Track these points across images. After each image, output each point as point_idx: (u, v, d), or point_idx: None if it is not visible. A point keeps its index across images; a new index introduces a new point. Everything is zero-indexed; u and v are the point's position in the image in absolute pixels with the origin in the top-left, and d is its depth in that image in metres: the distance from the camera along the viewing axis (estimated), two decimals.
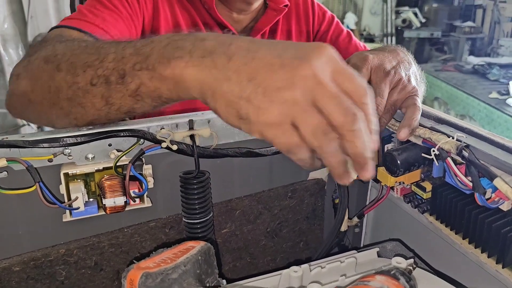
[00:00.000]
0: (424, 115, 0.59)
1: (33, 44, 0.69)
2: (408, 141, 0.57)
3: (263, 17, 0.97)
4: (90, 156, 0.54)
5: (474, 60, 3.36)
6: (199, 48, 0.41)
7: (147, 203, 0.58)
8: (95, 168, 0.54)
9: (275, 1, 0.96)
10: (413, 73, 0.62)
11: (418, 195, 0.59)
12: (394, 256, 0.53)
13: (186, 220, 0.59)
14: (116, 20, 0.79)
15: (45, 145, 0.51)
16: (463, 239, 0.53)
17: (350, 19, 3.89)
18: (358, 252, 0.58)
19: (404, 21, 3.96)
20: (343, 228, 0.70)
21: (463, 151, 0.49)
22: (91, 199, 0.56)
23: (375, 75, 0.58)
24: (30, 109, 0.57)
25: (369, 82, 0.58)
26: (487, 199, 0.48)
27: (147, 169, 0.56)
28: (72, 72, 0.50)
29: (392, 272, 0.49)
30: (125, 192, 0.55)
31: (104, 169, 0.55)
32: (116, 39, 0.55)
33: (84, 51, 0.51)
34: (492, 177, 0.46)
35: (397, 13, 4.03)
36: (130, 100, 0.47)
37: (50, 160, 0.52)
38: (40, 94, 0.54)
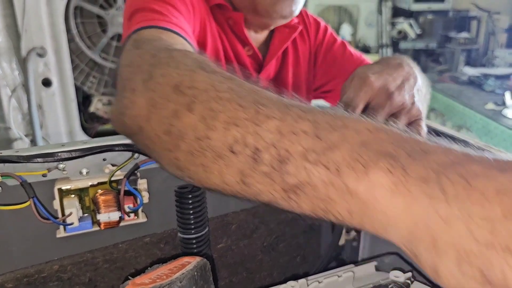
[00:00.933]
0: None
1: (142, 42, 0.55)
2: None
3: (277, 34, 0.95)
4: (84, 171, 0.54)
5: (470, 71, 3.37)
6: (420, 162, 0.27)
7: (142, 218, 0.57)
8: (90, 183, 0.54)
9: None
10: (418, 90, 0.60)
11: None
12: (392, 270, 0.53)
13: (182, 235, 0.59)
14: (188, 26, 0.71)
15: (39, 160, 0.51)
16: None
17: (346, 30, 3.91)
18: (356, 266, 0.58)
19: (399, 32, 3.98)
20: (341, 242, 0.70)
21: None
22: (85, 215, 0.56)
23: (377, 97, 0.56)
24: (139, 137, 0.45)
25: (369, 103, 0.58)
26: None
27: (142, 184, 0.56)
28: (207, 123, 0.36)
29: (389, 286, 0.49)
30: (119, 207, 0.54)
31: (99, 184, 0.54)
32: (280, 92, 0.38)
33: (234, 98, 0.36)
34: None
35: (393, 24, 4.05)
36: (278, 194, 0.33)
37: (44, 175, 0.52)
38: (155, 129, 0.41)
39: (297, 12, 0.86)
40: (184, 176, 0.40)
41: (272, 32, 0.96)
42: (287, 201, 0.33)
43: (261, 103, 0.35)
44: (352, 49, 1.04)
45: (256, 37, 0.94)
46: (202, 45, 0.85)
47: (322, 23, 1.06)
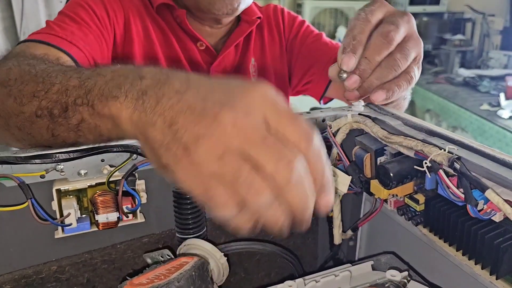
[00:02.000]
0: (416, 127, 0.59)
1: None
2: (400, 153, 0.58)
3: (236, 29, 0.99)
4: (82, 172, 0.54)
5: (465, 72, 3.39)
6: (135, 88, 0.39)
7: (140, 219, 0.57)
8: (88, 184, 0.54)
9: (248, 13, 0.98)
10: None
11: (412, 207, 0.59)
12: (388, 269, 0.53)
13: (180, 236, 0.59)
14: (85, 34, 0.80)
15: (37, 161, 0.51)
16: (457, 251, 0.53)
17: (342, 33, 3.92)
18: (353, 265, 0.58)
19: None
20: (337, 241, 0.70)
21: (454, 163, 0.49)
22: (83, 215, 0.56)
23: (392, 15, 0.54)
24: None
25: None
26: (480, 211, 0.48)
27: (140, 184, 0.56)
28: (19, 101, 0.47)
29: (386, 285, 0.49)
30: (118, 208, 0.54)
31: (97, 184, 0.54)
32: (67, 66, 0.51)
33: (33, 79, 0.48)
34: (483, 188, 0.46)
35: None
36: (73, 134, 0.45)
37: (42, 176, 0.52)
38: None
39: (241, 8, 0.90)
40: (25, 145, 0.51)
41: (236, 27, 0.98)
42: (81, 137, 0.45)
43: (48, 76, 0.47)
44: (328, 39, 1.04)
45: (212, 32, 0.97)
46: (129, 43, 0.91)
47: (299, 19, 1.08)
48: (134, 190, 0.55)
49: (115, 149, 0.53)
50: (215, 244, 0.57)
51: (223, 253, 0.57)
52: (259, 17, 1.00)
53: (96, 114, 0.41)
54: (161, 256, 0.54)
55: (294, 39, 1.04)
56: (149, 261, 0.54)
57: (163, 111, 0.36)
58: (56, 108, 0.44)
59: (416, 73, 0.57)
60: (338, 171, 0.61)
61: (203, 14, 0.90)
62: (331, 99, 1.05)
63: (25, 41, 0.74)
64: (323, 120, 0.66)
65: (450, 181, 0.50)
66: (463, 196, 0.49)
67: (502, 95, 2.74)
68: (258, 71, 1.02)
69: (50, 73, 0.48)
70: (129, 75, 0.41)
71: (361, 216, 0.72)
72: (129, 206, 0.55)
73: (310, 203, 0.34)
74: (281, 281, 0.52)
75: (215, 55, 0.97)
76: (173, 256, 0.54)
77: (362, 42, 0.53)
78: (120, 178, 0.54)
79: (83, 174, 0.54)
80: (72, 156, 0.52)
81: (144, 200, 0.56)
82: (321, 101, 1.05)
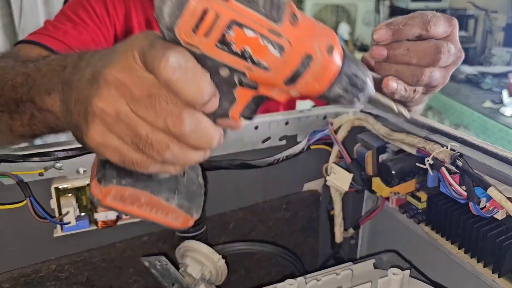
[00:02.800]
0: (418, 125, 0.59)
1: None
2: (402, 151, 0.57)
3: None
4: (81, 170, 0.53)
5: (467, 69, 3.37)
6: (60, 79, 0.39)
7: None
8: (87, 182, 0.54)
9: None
10: None
11: (413, 205, 0.59)
12: (390, 268, 0.53)
13: (179, 235, 0.59)
14: (79, 33, 0.82)
15: (36, 159, 0.51)
16: (459, 249, 0.52)
17: (344, 29, 3.91)
18: (354, 264, 0.58)
19: None
20: (339, 240, 0.70)
21: (457, 160, 0.48)
22: (82, 214, 0.56)
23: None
24: None
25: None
26: (482, 209, 0.47)
27: None
28: None
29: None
30: None
31: None
32: (21, 60, 0.50)
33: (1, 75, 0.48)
34: (486, 186, 0.45)
35: None
36: (28, 128, 0.45)
37: (41, 174, 0.52)
38: None
39: None
40: None
41: None
42: (36, 130, 0.45)
43: (5, 72, 0.47)
44: None
45: None
46: (129, 34, 0.90)
47: None
48: None
49: None
50: (214, 244, 0.56)
51: (221, 255, 0.57)
52: None
53: (39, 109, 0.42)
54: (158, 261, 0.54)
55: None
56: (147, 264, 0.54)
57: (76, 85, 0.35)
58: (11, 104, 0.45)
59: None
60: (340, 169, 0.60)
61: None
62: None
63: (22, 41, 0.78)
64: (325, 117, 0.66)
65: (453, 179, 0.49)
66: (465, 193, 0.48)
67: (505, 92, 2.72)
68: None
69: (6, 69, 0.48)
70: (56, 67, 0.41)
71: (363, 214, 0.71)
72: None
73: (213, 138, 0.35)
74: (282, 280, 0.52)
75: None
76: (169, 263, 0.54)
77: (408, 34, 0.51)
78: None
79: (82, 172, 0.53)
80: (70, 154, 0.51)
81: None
82: None
